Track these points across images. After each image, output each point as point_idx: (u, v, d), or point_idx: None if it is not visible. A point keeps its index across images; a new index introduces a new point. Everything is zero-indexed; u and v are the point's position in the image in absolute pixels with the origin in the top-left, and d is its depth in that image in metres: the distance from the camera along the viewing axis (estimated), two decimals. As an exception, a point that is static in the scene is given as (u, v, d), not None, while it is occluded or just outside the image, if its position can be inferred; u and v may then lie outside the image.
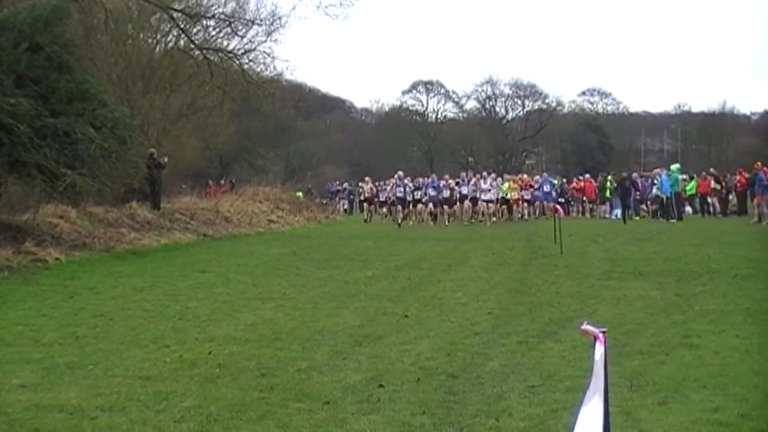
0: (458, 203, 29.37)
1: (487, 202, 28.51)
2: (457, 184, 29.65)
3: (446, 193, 28.83)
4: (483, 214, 28.80)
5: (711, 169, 33.59)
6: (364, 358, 7.15)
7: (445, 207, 29.08)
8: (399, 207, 28.59)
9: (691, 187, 32.14)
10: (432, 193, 28.94)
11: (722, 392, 5.81)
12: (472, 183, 29.44)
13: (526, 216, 30.75)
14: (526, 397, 5.83)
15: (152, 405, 5.79)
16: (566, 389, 5.95)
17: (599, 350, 2.96)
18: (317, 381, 6.41)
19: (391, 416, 5.46)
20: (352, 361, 7.06)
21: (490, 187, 28.65)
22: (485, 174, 31.06)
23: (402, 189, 28.71)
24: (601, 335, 3.04)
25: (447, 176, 30.93)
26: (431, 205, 29.01)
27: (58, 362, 7.20)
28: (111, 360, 7.26)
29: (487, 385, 6.16)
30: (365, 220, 31.76)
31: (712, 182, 30.76)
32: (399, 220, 27.50)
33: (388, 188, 30.61)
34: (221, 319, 9.36)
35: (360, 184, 35.83)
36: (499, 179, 31.30)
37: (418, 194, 29.66)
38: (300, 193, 38.72)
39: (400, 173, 30.21)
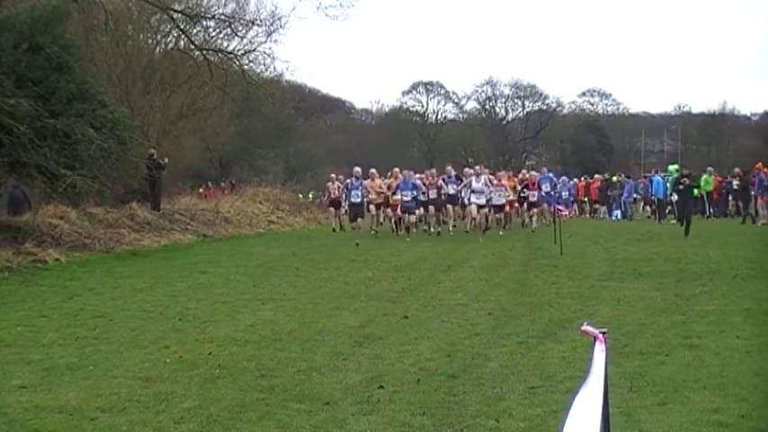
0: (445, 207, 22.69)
1: (480, 206, 21.25)
2: (443, 180, 22.72)
3: (432, 194, 22.06)
4: (472, 221, 21.77)
5: (736, 169, 32.25)
6: (364, 359, 7.15)
7: (430, 209, 22.37)
8: (359, 219, 20.67)
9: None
10: (405, 198, 21.17)
11: (722, 393, 5.82)
12: (453, 178, 22.88)
13: (529, 222, 24.51)
14: (526, 398, 5.83)
15: (152, 406, 5.79)
16: (566, 390, 5.95)
17: (599, 351, 2.96)
18: (316, 381, 6.41)
19: (391, 416, 5.46)
20: (352, 362, 7.06)
21: (483, 187, 21.25)
22: (478, 168, 22.92)
23: (358, 192, 20.51)
24: (601, 335, 3.04)
25: (433, 171, 24.18)
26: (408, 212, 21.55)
27: (57, 363, 7.20)
28: (111, 361, 7.27)
29: (487, 386, 6.16)
30: (333, 230, 23.68)
31: (735, 182, 29.78)
32: (357, 238, 19.47)
33: (341, 189, 22.99)
34: (221, 319, 9.36)
35: (327, 183, 25.94)
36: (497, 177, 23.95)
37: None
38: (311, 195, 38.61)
39: (357, 169, 21.33)
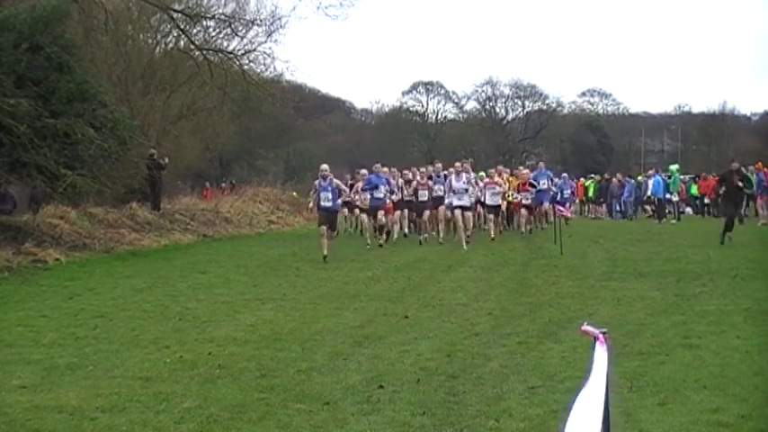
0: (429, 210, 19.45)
1: (462, 209, 17.98)
2: (429, 178, 19.70)
3: (424, 196, 19.19)
4: (451, 227, 19.26)
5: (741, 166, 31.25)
6: (364, 359, 7.15)
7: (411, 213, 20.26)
8: (324, 228, 16.04)
9: (693, 190, 32.15)
10: (377, 194, 18.32)
11: (722, 393, 5.82)
12: (442, 178, 19.52)
13: (525, 228, 20.97)
14: (526, 398, 5.84)
15: (152, 406, 5.79)
16: (566, 390, 5.95)
17: (599, 351, 2.96)
18: (317, 381, 6.41)
19: (391, 416, 5.46)
20: (352, 362, 7.06)
21: (466, 186, 18.16)
22: (458, 165, 19.01)
23: (329, 194, 16.07)
24: (601, 335, 3.04)
25: (423, 170, 20.77)
26: (376, 216, 18.58)
27: (57, 363, 7.21)
28: (111, 361, 7.27)
29: (487, 386, 6.16)
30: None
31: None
32: (324, 249, 15.70)
33: (310, 194, 17.64)
34: (221, 319, 9.36)
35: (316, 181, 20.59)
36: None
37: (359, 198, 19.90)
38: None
39: (324, 166, 16.75)
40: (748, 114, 68.99)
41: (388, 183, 18.72)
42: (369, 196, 18.58)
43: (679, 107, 70.46)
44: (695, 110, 68.75)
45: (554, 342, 7.68)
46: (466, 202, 18.06)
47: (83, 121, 16.42)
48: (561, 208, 20.56)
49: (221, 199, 29.77)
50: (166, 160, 23.74)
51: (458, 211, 17.96)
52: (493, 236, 19.05)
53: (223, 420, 5.44)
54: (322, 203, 16.19)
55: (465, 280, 12.51)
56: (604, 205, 32.85)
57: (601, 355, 2.92)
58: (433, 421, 5.34)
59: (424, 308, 9.89)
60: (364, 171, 19.86)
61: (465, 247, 17.13)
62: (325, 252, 15.57)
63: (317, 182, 16.47)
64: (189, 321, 9.26)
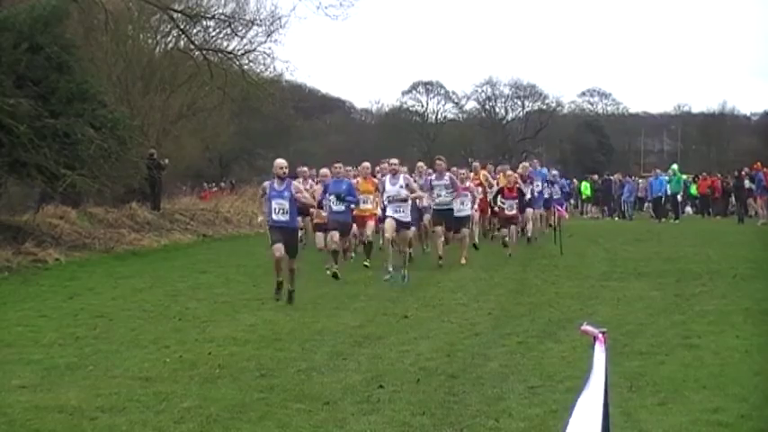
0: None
1: (402, 225, 13.05)
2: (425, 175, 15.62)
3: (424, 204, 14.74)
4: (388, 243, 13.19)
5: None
6: (364, 359, 7.15)
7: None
8: (280, 256, 10.39)
9: (692, 190, 32.26)
10: (335, 207, 13.11)
11: (722, 393, 5.82)
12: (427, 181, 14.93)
13: (499, 239, 17.20)
14: (526, 398, 5.84)
15: (152, 406, 5.80)
16: (566, 389, 5.95)
17: (599, 350, 2.96)
18: (316, 381, 6.42)
19: (391, 416, 5.46)
20: (351, 361, 7.07)
21: (400, 193, 12.98)
22: (395, 162, 13.59)
23: (284, 201, 10.69)
24: (600, 335, 3.04)
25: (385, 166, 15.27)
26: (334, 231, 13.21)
27: (57, 362, 7.20)
28: (111, 361, 7.27)
29: (487, 386, 6.17)
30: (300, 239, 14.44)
31: (748, 182, 28.92)
32: (288, 283, 10.54)
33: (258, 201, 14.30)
34: (221, 319, 9.36)
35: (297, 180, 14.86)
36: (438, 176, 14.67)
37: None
38: None
39: (280, 161, 11.30)
40: (748, 114, 68.87)
41: (352, 192, 13.22)
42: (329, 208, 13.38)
43: (679, 107, 70.34)
44: (695, 110, 68.64)
45: (554, 342, 7.68)
46: (404, 215, 13.06)
47: (83, 121, 16.40)
48: (559, 208, 20.27)
49: (221, 199, 29.77)
50: (166, 161, 23.72)
51: (389, 222, 12.95)
52: (464, 260, 14.65)
53: (223, 420, 5.44)
54: (274, 217, 10.62)
55: (465, 280, 12.51)
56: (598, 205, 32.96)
57: (600, 354, 2.92)
58: (433, 421, 5.34)
59: (424, 308, 9.89)
60: (339, 164, 14.20)
61: (404, 277, 12.32)
62: (282, 290, 10.55)
63: (266, 183, 11.19)
64: (189, 321, 9.26)
